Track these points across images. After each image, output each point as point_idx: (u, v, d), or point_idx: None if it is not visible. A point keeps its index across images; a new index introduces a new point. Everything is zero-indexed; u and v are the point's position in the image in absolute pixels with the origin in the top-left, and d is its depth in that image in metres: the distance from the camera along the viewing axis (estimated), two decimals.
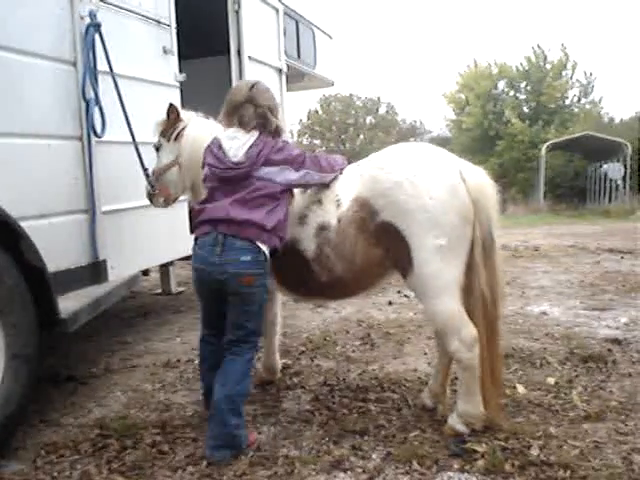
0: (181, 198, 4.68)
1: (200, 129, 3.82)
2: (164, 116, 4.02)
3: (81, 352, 5.10)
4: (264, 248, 3.15)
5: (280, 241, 3.27)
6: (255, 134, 3.25)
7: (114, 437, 3.40)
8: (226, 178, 3.21)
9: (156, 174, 4.13)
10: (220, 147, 3.25)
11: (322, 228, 3.33)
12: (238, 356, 3.22)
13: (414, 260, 3.14)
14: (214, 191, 3.26)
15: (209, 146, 3.35)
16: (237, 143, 3.23)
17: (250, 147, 3.20)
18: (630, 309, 6.20)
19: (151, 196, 4.22)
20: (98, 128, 4.10)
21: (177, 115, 3.99)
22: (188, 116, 4.02)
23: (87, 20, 4.03)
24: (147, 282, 7.94)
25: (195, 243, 3.27)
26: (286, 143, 3.34)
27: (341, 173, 3.44)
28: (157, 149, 4.12)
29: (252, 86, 3.36)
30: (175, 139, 3.96)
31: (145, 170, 4.29)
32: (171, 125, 3.99)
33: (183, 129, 3.89)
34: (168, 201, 4.20)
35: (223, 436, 3.13)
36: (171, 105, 3.99)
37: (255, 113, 3.27)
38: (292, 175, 3.23)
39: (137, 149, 4.31)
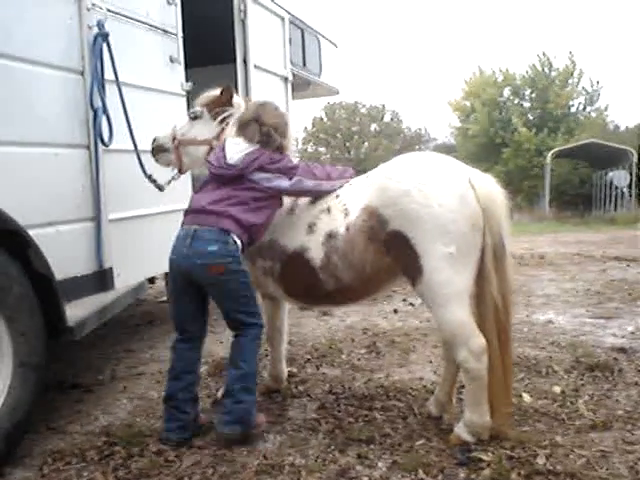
0: (184, 206, 4.71)
1: None
2: (216, 92, 3.91)
3: (87, 359, 5.12)
4: (235, 238, 3.31)
5: (249, 243, 3.45)
6: (256, 146, 3.45)
7: (120, 445, 3.40)
8: (217, 175, 3.46)
9: (184, 141, 3.93)
10: (223, 149, 3.47)
11: (330, 236, 3.36)
12: (241, 337, 3.42)
13: (423, 268, 3.14)
14: (205, 184, 3.54)
15: (216, 147, 3.61)
16: (237, 148, 3.44)
17: (247, 154, 3.40)
18: (636, 317, 6.19)
19: (160, 150, 4.05)
20: (105, 137, 4.12)
21: (231, 97, 3.88)
22: (239, 104, 3.93)
23: (95, 30, 4.06)
24: (152, 290, 7.94)
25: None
26: (285, 157, 3.50)
27: (348, 182, 3.54)
28: (194, 117, 3.94)
29: (260, 105, 3.62)
30: (221, 121, 3.85)
31: (150, 177, 4.32)
32: (222, 104, 3.84)
33: (230, 115, 3.82)
34: (174, 166, 4.07)
35: (235, 412, 3.31)
36: (228, 86, 3.88)
37: (259, 131, 3.47)
38: (284, 183, 3.42)
39: (139, 157, 4.30)
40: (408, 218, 3.13)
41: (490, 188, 3.22)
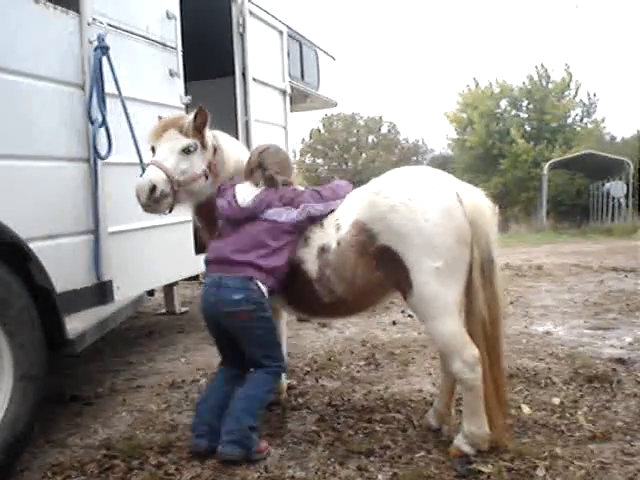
0: (183, 219, 4.74)
1: (234, 142, 4.01)
2: (190, 118, 3.69)
3: (86, 372, 5.11)
4: (260, 285, 3.41)
5: (277, 284, 3.51)
6: (263, 188, 3.59)
7: (120, 458, 3.40)
8: (232, 219, 3.57)
9: (187, 180, 3.63)
10: (234, 195, 3.57)
11: (323, 250, 3.42)
12: (257, 373, 3.51)
13: (413, 282, 3.19)
14: (223, 229, 3.63)
15: (225, 192, 3.66)
16: (247, 192, 3.58)
17: (256, 196, 3.53)
18: (634, 328, 6.20)
19: (163, 197, 3.56)
20: (104, 150, 4.13)
21: (206, 120, 3.71)
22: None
23: (95, 44, 4.09)
24: (151, 302, 7.95)
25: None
26: (289, 189, 3.60)
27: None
28: (193, 151, 3.67)
29: (262, 151, 3.72)
30: (209, 148, 3.75)
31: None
32: (203, 130, 3.70)
33: (213, 139, 3.79)
34: (172, 209, 3.74)
35: (236, 433, 3.31)
36: (201, 108, 3.66)
37: (263, 176, 3.59)
38: (293, 213, 3.48)
39: (144, 170, 4.33)
40: (396, 233, 3.18)
41: (478, 202, 3.25)
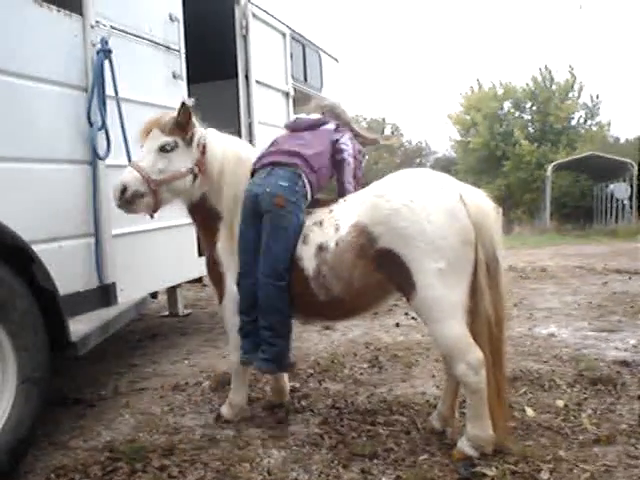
0: (187, 221, 4.73)
1: (228, 141, 3.92)
2: (172, 114, 3.68)
3: (89, 375, 5.11)
4: (304, 178, 3.57)
5: (317, 182, 3.70)
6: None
7: (123, 460, 3.39)
8: (293, 126, 4.05)
9: (167, 179, 3.64)
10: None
11: (321, 248, 3.42)
12: (270, 285, 3.52)
13: (416, 285, 3.17)
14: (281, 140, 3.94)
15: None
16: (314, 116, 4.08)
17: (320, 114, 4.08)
18: (639, 331, 6.17)
19: (137, 197, 3.60)
20: (102, 151, 4.15)
21: (190, 117, 3.68)
22: (198, 124, 3.81)
23: (98, 46, 4.10)
24: (154, 304, 7.94)
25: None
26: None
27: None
28: (171, 149, 3.64)
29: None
30: (197, 146, 3.72)
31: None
32: (188, 127, 3.67)
33: (201, 137, 3.75)
34: (155, 209, 3.73)
35: (269, 352, 3.56)
36: (184, 104, 3.64)
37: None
38: (349, 149, 3.84)
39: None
40: (398, 235, 3.17)
41: (481, 203, 3.24)
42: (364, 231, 3.28)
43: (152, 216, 3.80)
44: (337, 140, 3.82)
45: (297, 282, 3.50)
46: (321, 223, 3.50)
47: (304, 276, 3.47)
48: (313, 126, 3.91)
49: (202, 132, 3.78)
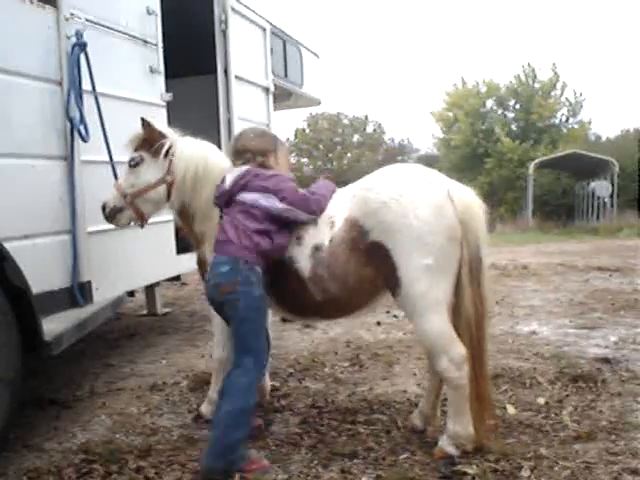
0: (164, 218, 4.67)
1: (196, 147, 3.79)
2: (139, 130, 3.76)
3: (65, 375, 5.03)
4: (248, 260, 3.26)
5: (265, 261, 3.35)
6: (245, 167, 3.50)
7: (99, 462, 3.32)
8: (218, 204, 3.53)
9: (140, 192, 3.73)
10: (223, 181, 3.51)
11: (316, 249, 3.35)
12: (234, 368, 3.27)
13: (402, 279, 3.14)
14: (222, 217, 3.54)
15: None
16: (231, 175, 3.47)
17: (236, 175, 3.43)
18: (619, 328, 6.20)
19: (117, 212, 3.80)
20: (79, 146, 4.10)
21: (152, 130, 3.74)
22: (171, 133, 3.83)
23: (73, 39, 4.01)
24: (132, 303, 7.87)
25: None
26: (275, 176, 3.45)
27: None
28: (136, 164, 3.74)
29: (238, 134, 3.77)
30: (164, 155, 3.72)
31: None
32: (155, 140, 3.71)
33: (171, 146, 3.73)
34: (141, 221, 3.87)
35: (218, 446, 3.13)
36: (143, 120, 3.72)
37: (236, 154, 3.60)
38: (278, 204, 3.33)
39: (114, 169, 4.28)
40: (387, 229, 3.14)
41: (469, 200, 3.23)
42: (355, 224, 3.24)
43: (142, 226, 3.92)
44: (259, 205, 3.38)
45: (291, 284, 3.44)
46: (315, 222, 3.42)
47: (299, 278, 3.39)
48: (229, 202, 3.46)
49: (172, 140, 3.74)
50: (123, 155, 3.87)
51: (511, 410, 3.93)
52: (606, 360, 4.97)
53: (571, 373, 4.59)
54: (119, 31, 4.61)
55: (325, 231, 3.35)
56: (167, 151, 3.70)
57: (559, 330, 6.20)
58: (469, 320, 3.22)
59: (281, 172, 3.56)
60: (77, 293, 4.14)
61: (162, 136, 3.74)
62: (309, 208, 3.35)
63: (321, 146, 45.19)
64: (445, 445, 3.26)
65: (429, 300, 3.14)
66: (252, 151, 3.54)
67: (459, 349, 3.14)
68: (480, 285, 3.26)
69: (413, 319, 3.26)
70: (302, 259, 3.38)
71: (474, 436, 3.25)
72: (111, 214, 3.84)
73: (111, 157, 4.26)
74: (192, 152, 3.74)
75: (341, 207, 3.38)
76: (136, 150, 3.78)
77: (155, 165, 3.74)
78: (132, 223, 3.92)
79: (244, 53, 6.64)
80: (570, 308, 7.33)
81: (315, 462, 3.29)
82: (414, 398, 4.20)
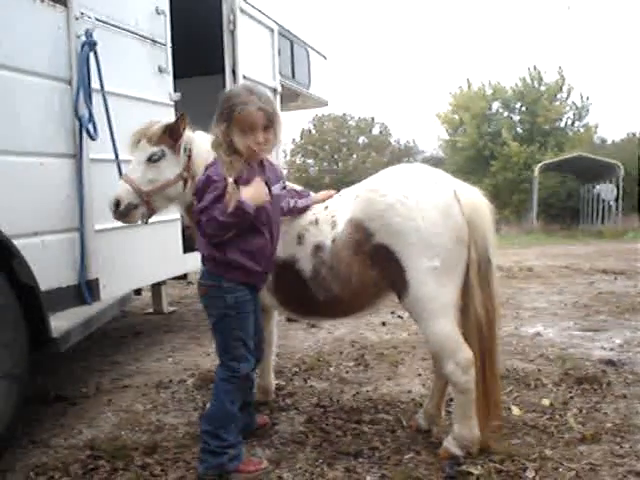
0: (171, 217, 4.68)
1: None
2: (159, 124, 3.66)
3: (71, 372, 5.05)
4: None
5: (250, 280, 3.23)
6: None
7: (105, 459, 3.34)
8: None
9: (159, 189, 3.60)
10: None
11: (318, 248, 3.34)
12: (216, 374, 3.26)
13: (409, 282, 3.12)
14: None
15: None
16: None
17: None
18: (624, 330, 6.20)
19: (131, 209, 3.63)
20: (88, 145, 4.12)
21: (185, 127, 3.63)
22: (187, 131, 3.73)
23: (83, 39, 4.04)
24: (138, 301, 7.89)
25: None
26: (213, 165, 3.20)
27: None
28: (158, 159, 3.59)
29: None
30: (184, 151, 3.63)
31: None
32: (179, 135, 3.60)
33: (187, 142, 3.65)
34: (150, 216, 3.76)
35: (206, 453, 3.13)
36: (183, 114, 3.61)
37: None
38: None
39: (119, 167, 4.26)
40: (393, 231, 3.12)
41: (476, 201, 3.20)
42: (360, 226, 3.22)
43: (146, 222, 3.80)
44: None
45: (294, 284, 3.44)
46: (317, 221, 3.43)
47: (301, 277, 3.40)
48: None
49: (189, 136, 3.67)
50: (132, 153, 3.82)
51: (516, 411, 3.93)
52: (611, 362, 4.97)
53: (576, 375, 4.59)
54: (128, 31, 4.64)
55: (326, 231, 3.35)
56: (186, 148, 3.63)
57: (564, 332, 6.19)
58: (480, 321, 3.18)
59: None
60: (85, 290, 4.16)
61: (184, 131, 3.64)
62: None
63: (327, 147, 45.16)
64: (450, 446, 3.26)
65: (436, 303, 3.12)
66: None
67: (466, 353, 3.13)
68: (490, 286, 3.22)
69: (420, 322, 3.24)
70: (303, 258, 3.39)
71: (480, 438, 3.25)
72: (126, 211, 3.61)
73: (117, 155, 4.27)
74: (209, 148, 3.70)
75: (344, 208, 3.37)
76: (157, 145, 3.60)
77: (175, 160, 3.61)
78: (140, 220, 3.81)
79: (252, 54, 6.66)
80: (575, 310, 7.33)
81: (320, 461, 3.30)
82: (419, 398, 4.21)
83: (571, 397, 4.20)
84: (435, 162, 35.29)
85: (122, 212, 3.61)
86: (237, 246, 3.10)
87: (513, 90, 35.03)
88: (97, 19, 4.26)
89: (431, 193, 3.15)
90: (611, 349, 5.47)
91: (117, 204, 3.59)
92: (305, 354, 5.49)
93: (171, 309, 7.61)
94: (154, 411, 4.14)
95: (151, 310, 7.55)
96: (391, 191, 3.18)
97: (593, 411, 3.93)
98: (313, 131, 45.51)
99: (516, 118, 35.56)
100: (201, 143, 3.65)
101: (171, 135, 3.59)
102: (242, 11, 6.40)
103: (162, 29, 5.09)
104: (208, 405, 3.22)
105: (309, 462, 3.29)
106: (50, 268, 3.86)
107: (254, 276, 3.21)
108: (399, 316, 6.92)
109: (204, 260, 3.23)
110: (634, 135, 34.94)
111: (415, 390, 4.43)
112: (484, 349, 3.21)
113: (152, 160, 3.59)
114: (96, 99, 4.15)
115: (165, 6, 5.13)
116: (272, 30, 7.22)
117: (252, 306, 3.25)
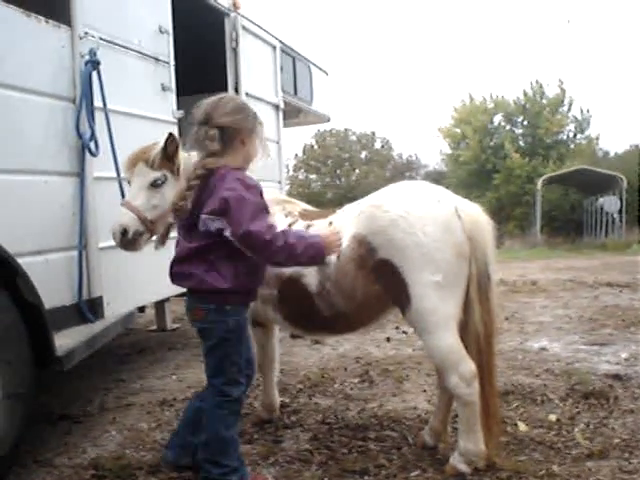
0: (175, 234, 4.66)
1: None
2: (158, 148, 3.43)
3: (75, 390, 5.04)
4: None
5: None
6: None
7: (109, 478, 3.33)
8: None
9: (164, 215, 3.42)
10: None
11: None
12: (208, 405, 3.15)
13: (411, 296, 3.15)
14: None
15: None
16: None
17: None
18: (630, 344, 6.16)
19: (138, 237, 3.42)
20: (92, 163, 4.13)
21: (177, 148, 3.45)
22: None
23: (87, 58, 4.06)
24: (142, 318, 7.88)
25: None
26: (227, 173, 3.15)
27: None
28: (160, 184, 3.40)
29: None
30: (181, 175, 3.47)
31: None
32: (176, 157, 3.43)
33: (186, 164, 3.45)
34: (163, 241, 3.56)
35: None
36: (171, 134, 3.41)
37: None
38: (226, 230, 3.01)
39: (121, 187, 4.25)
40: (395, 247, 3.15)
41: (476, 217, 3.25)
42: (363, 242, 3.25)
43: (162, 246, 3.59)
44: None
45: (299, 300, 3.46)
46: None
47: (307, 293, 3.41)
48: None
49: (185, 157, 3.48)
50: (131, 178, 3.68)
51: (522, 427, 3.90)
52: (617, 377, 4.94)
53: (582, 390, 4.57)
54: (132, 49, 4.66)
55: None
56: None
57: (569, 346, 6.17)
58: (478, 336, 3.23)
59: None
60: (88, 309, 4.16)
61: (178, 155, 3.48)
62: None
63: (329, 162, 45.29)
64: (456, 462, 3.24)
65: (438, 317, 3.15)
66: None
67: (469, 365, 3.14)
68: (489, 301, 3.27)
69: (423, 336, 3.26)
70: (308, 274, 3.40)
71: (485, 453, 3.24)
72: (133, 240, 3.38)
73: (119, 174, 4.27)
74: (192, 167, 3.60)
75: (348, 223, 3.39)
76: (159, 169, 3.42)
77: (175, 184, 3.43)
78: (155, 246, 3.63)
79: (254, 70, 6.70)
80: (580, 324, 7.30)
81: (326, 479, 3.28)
82: (424, 414, 4.18)
83: (578, 412, 4.17)
84: (437, 176, 35.40)
85: (129, 240, 3.41)
86: (238, 268, 3.05)
87: (515, 103, 35.14)
88: (101, 38, 4.28)
89: (433, 209, 3.19)
90: (617, 363, 5.44)
91: (124, 232, 3.38)
92: (309, 371, 5.47)
93: (174, 326, 7.59)
94: (158, 429, 4.12)
95: (155, 327, 7.53)
96: (394, 207, 3.22)
97: (600, 426, 3.91)
98: (315, 146, 45.65)
99: (518, 131, 35.65)
100: (186, 163, 3.46)
101: (167, 158, 3.43)
102: (244, 29, 6.44)
103: (165, 48, 5.11)
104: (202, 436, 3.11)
105: None
106: (54, 286, 3.85)
107: (253, 294, 3.21)
108: (404, 332, 6.90)
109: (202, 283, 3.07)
110: (636, 147, 34.96)
111: (420, 406, 4.41)
112: (482, 363, 3.24)
113: (156, 185, 3.42)
114: (99, 117, 4.16)
115: (168, 25, 5.16)
116: (274, 47, 7.26)
117: (247, 327, 3.23)
